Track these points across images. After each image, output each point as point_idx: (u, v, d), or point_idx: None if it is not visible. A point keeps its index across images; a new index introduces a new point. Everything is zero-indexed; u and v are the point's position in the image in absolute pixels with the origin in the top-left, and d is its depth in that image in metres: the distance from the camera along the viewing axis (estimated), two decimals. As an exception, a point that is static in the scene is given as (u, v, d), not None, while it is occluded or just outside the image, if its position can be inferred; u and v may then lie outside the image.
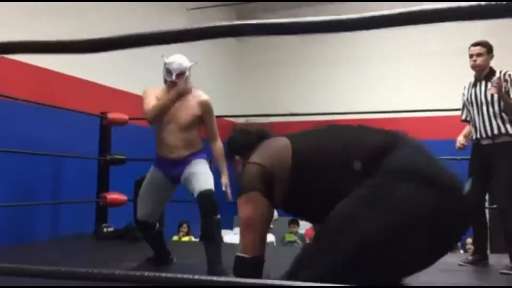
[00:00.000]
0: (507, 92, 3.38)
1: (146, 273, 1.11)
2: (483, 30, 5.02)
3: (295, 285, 1.07)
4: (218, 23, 0.98)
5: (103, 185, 5.13)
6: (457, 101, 3.88)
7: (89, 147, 5.26)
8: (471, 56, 3.57)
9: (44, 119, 5.12)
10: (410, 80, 8.44)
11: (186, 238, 6.62)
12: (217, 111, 3.31)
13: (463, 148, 3.69)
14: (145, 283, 1.15)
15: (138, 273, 1.11)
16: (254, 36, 1.06)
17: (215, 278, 1.08)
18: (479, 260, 3.63)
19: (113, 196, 5.01)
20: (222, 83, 8.92)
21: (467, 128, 3.74)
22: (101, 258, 4.06)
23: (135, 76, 6.39)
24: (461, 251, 6.26)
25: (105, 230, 4.92)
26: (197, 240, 6.67)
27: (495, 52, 3.59)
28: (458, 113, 3.81)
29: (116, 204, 5.03)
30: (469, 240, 6.10)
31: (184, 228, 6.69)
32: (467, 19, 0.84)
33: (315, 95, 8.91)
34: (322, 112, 6.62)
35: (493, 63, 3.60)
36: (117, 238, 4.81)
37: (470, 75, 3.67)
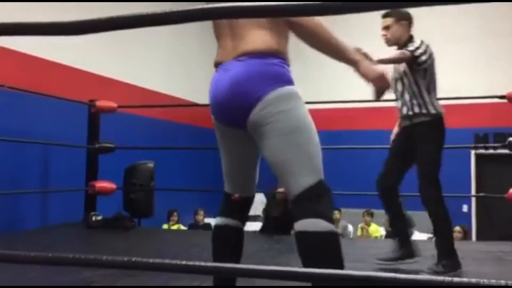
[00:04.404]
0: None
1: (133, 259, 1.10)
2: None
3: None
4: (208, 5, 0.97)
5: (92, 174, 5.10)
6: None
7: (78, 135, 5.21)
8: (382, 29, 3.09)
9: (32, 107, 5.07)
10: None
11: (175, 227, 6.63)
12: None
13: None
14: (134, 269, 1.14)
15: (125, 259, 1.11)
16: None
17: (197, 263, 1.07)
18: (401, 251, 3.06)
19: (102, 184, 4.99)
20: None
21: None
22: (90, 246, 4.05)
23: (124, 64, 6.34)
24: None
25: (93, 218, 4.90)
26: (186, 228, 6.71)
27: None
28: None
29: (105, 192, 5.00)
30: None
31: (175, 216, 6.69)
32: None
33: (322, 82, 8.64)
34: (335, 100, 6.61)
35: None
36: (106, 226, 4.80)
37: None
